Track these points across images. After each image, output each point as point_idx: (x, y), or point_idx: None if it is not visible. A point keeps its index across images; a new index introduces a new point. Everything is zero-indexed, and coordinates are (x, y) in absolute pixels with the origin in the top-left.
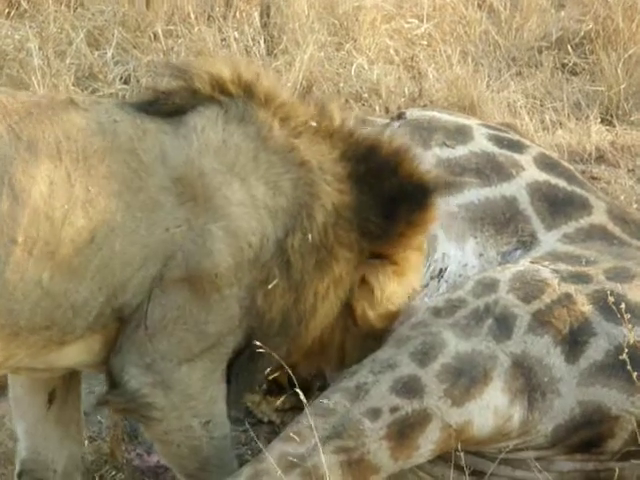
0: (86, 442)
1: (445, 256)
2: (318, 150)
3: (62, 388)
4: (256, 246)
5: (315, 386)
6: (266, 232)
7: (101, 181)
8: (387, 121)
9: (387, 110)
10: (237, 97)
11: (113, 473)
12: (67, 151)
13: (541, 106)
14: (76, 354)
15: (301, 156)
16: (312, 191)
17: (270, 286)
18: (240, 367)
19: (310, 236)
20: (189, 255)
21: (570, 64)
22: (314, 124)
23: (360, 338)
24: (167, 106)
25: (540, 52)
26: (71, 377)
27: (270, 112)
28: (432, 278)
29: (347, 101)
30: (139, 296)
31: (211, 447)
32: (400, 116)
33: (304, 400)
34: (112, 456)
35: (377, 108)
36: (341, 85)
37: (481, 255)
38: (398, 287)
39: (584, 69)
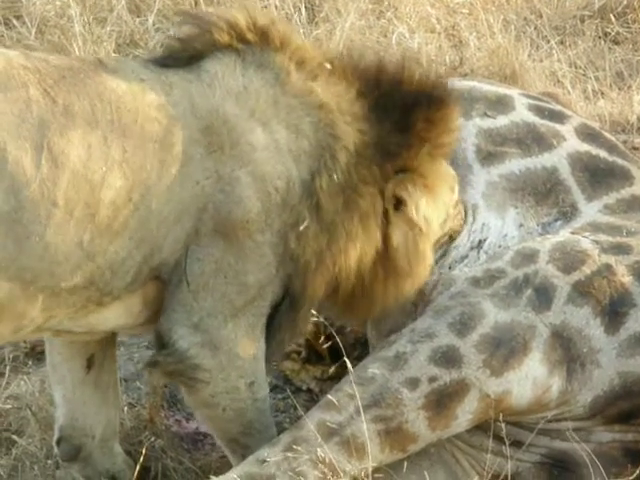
0: (125, 409)
1: (485, 226)
2: (335, 91)
3: (100, 353)
4: (283, 190)
5: (352, 355)
6: (291, 175)
7: (136, 141)
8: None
9: None
10: (254, 44)
11: (152, 439)
12: (102, 113)
13: (583, 75)
14: (116, 316)
15: (320, 99)
16: (333, 132)
17: (301, 228)
18: (282, 318)
19: (335, 177)
20: (219, 205)
21: (613, 33)
22: (329, 66)
23: (397, 283)
24: (186, 52)
25: (582, 21)
26: (107, 342)
27: (286, 57)
28: (472, 249)
29: None
30: (176, 253)
31: (254, 409)
32: None
33: (350, 368)
34: (151, 422)
35: None
36: (382, 54)
37: (521, 226)
38: (431, 203)
39: (627, 38)
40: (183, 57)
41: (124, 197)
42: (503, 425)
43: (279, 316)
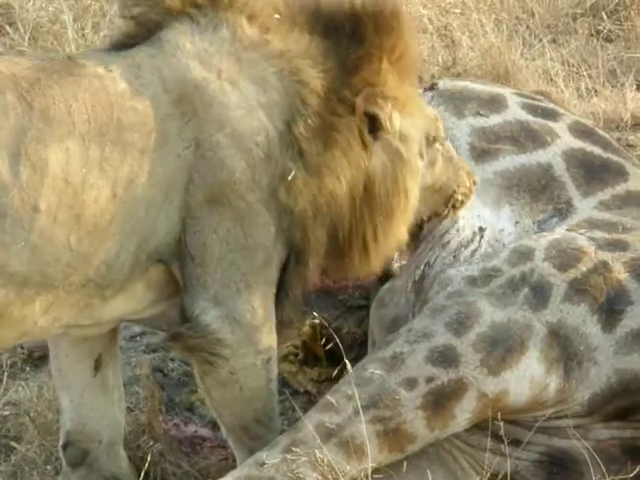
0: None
1: (480, 218)
2: (291, 38)
3: (106, 353)
4: (263, 144)
5: (349, 357)
6: (268, 128)
7: (114, 137)
8: (420, 92)
9: (421, 79)
10: (204, 7)
11: (151, 443)
12: (78, 114)
13: (576, 74)
14: (122, 305)
15: (278, 48)
16: (299, 79)
17: (289, 179)
18: (291, 276)
19: (310, 121)
20: (204, 172)
21: (605, 31)
22: (277, 16)
23: (383, 223)
24: (144, 27)
25: (575, 19)
26: (111, 340)
27: (237, 13)
28: (474, 233)
29: None
30: (173, 232)
31: (267, 391)
32: (433, 87)
33: (350, 368)
34: (149, 427)
35: None
36: None
37: (517, 223)
38: (407, 118)
39: (619, 36)
40: (141, 33)
41: (107, 195)
42: (501, 424)
43: (288, 275)
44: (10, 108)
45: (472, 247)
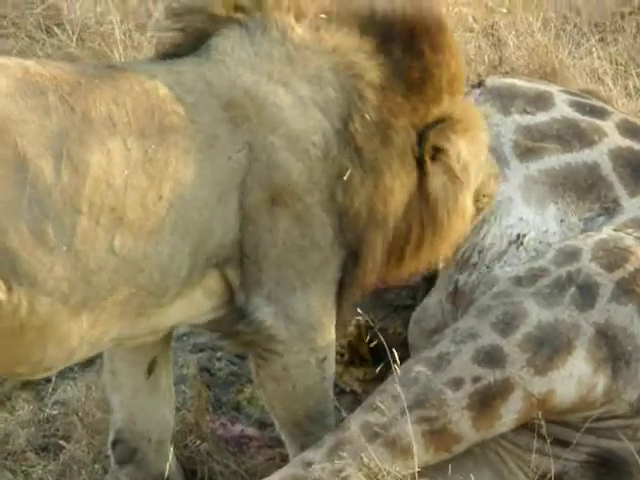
0: None
1: (522, 221)
2: (341, 35)
3: (161, 356)
4: (320, 143)
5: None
6: (324, 127)
7: (156, 139)
8: (467, 89)
9: (467, 79)
10: (250, 10)
11: (198, 443)
12: (119, 117)
13: (625, 72)
14: (180, 312)
15: (330, 44)
16: (354, 73)
17: (346, 178)
18: (350, 275)
19: (367, 116)
20: (258, 174)
21: None
22: (324, 16)
23: (433, 237)
24: (192, 36)
25: (622, 17)
26: (166, 342)
27: (284, 13)
28: (510, 244)
29: None
30: (229, 234)
31: (321, 389)
32: (480, 84)
33: (395, 368)
34: (197, 426)
35: None
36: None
37: (562, 221)
38: (470, 147)
39: None
40: (189, 43)
41: (153, 197)
42: (543, 422)
43: (346, 276)
44: (52, 109)
45: (506, 257)
